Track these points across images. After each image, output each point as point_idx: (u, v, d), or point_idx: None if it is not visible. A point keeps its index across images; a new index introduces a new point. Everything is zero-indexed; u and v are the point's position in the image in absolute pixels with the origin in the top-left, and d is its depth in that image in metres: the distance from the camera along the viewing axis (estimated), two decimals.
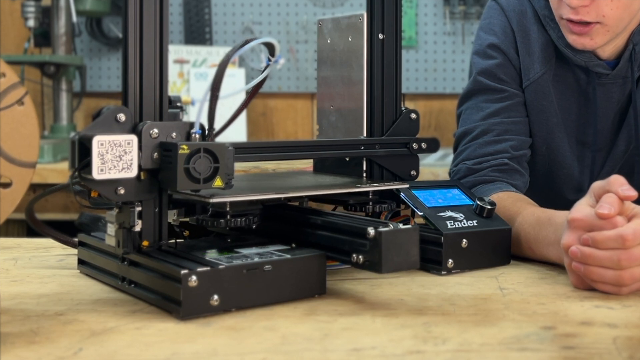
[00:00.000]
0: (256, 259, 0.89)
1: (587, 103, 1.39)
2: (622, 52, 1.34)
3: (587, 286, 0.96)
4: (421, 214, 1.08)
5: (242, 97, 1.05)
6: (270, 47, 0.99)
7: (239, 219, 0.96)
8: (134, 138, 0.89)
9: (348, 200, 1.07)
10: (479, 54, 1.41)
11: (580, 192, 1.41)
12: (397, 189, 1.10)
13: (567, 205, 1.42)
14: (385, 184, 1.08)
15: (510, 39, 1.38)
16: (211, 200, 0.92)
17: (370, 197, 1.08)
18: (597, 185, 0.99)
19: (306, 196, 1.04)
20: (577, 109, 1.39)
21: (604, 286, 0.94)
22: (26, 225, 2.41)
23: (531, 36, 1.37)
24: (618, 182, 0.96)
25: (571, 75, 1.38)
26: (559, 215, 1.08)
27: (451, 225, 1.07)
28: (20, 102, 0.80)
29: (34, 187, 2.19)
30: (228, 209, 0.96)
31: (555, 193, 1.45)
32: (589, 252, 0.93)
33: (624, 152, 1.41)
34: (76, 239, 1.12)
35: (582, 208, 0.97)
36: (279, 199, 1.02)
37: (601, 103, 1.38)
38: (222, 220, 0.95)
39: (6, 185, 0.81)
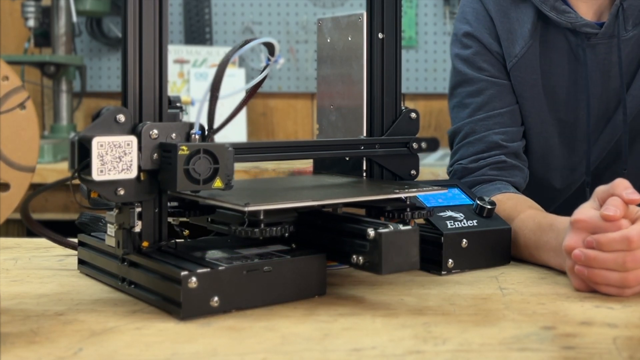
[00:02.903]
0: (256, 260, 0.89)
1: (579, 65, 1.36)
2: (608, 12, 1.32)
3: (589, 289, 0.96)
4: None
5: (242, 97, 1.05)
6: (270, 47, 0.99)
7: (274, 228, 0.90)
8: (133, 139, 0.89)
9: (385, 206, 1.01)
10: (455, 45, 1.40)
11: (573, 171, 1.39)
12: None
13: (555, 188, 1.41)
14: (424, 188, 1.04)
15: (483, 24, 1.37)
16: (246, 209, 0.87)
17: (408, 202, 1.02)
18: (600, 189, 0.98)
19: (343, 203, 0.99)
20: (569, 72, 1.37)
21: (607, 288, 0.94)
22: (26, 225, 2.41)
23: (510, 15, 1.36)
24: (622, 186, 0.96)
25: (562, 39, 1.36)
26: (561, 221, 1.07)
27: (451, 225, 1.07)
28: (22, 106, 0.81)
29: (33, 187, 2.19)
30: (262, 217, 0.90)
31: (545, 171, 1.42)
32: (593, 255, 0.93)
33: (623, 120, 1.37)
34: (71, 239, 1.12)
35: (586, 210, 0.97)
36: (316, 206, 0.96)
37: (593, 64, 1.35)
38: (256, 230, 0.89)
39: (4, 188, 0.80)
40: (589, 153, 1.37)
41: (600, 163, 1.41)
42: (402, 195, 1.00)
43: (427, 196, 1.12)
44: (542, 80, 1.37)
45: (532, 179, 1.39)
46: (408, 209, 1.01)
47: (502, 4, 1.37)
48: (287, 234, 0.92)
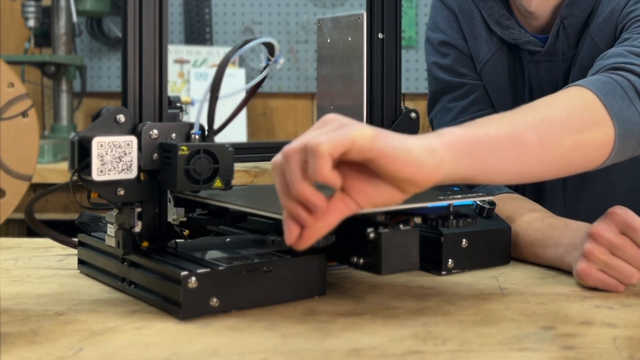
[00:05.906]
0: (256, 260, 0.89)
1: (524, 82, 1.36)
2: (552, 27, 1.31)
3: (595, 276, 0.97)
4: None
5: (242, 97, 1.05)
6: (270, 47, 0.99)
7: None
8: (133, 139, 0.89)
9: (428, 214, 0.95)
10: (432, 54, 1.40)
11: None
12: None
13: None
14: (469, 195, 1.01)
15: (455, 29, 1.38)
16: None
17: (451, 209, 0.97)
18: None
19: (390, 211, 0.92)
20: (516, 88, 1.37)
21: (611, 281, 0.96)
22: (26, 225, 2.41)
23: (475, 19, 1.36)
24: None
25: (513, 53, 1.35)
26: (575, 223, 1.07)
27: None
28: (24, 114, 0.81)
29: (34, 187, 2.19)
30: None
31: None
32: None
33: None
34: (75, 239, 1.12)
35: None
36: (360, 213, 0.88)
37: (536, 81, 1.34)
38: None
39: (0, 195, 0.81)
40: None
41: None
42: (448, 202, 0.95)
43: None
44: (506, 89, 1.36)
45: None
46: (452, 217, 0.95)
47: (466, 9, 1.37)
48: (328, 244, 0.86)
